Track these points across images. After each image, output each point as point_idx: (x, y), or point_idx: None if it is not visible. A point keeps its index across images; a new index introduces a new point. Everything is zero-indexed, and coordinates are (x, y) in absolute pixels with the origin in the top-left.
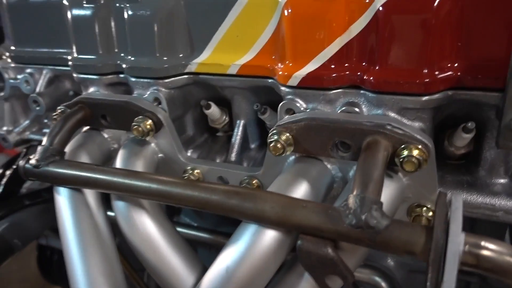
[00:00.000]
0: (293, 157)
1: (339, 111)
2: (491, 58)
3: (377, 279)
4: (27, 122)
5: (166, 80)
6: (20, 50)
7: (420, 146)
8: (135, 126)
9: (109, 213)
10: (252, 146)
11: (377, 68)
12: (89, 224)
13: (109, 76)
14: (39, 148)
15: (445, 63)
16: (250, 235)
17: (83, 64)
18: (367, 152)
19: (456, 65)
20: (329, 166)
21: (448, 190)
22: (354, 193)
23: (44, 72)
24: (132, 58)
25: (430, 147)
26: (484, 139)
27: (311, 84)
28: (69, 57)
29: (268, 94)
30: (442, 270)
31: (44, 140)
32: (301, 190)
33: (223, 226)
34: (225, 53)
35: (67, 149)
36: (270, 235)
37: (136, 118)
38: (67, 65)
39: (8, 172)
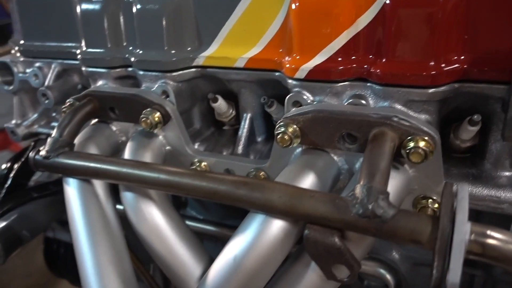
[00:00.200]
0: (299, 149)
1: (346, 104)
2: (497, 50)
3: (382, 271)
4: (35, 115)
5: (174, 74)
6: (29, 44)
7: (426, 138)
8: (144, 119)
9: (117, 206)
10: (259, 139)
11: (384, 60)
12: (98, 214)
13: (118, 70)
14: (49, 140)
15: (451, 56)
16: (258, 225)
17: (92, 57)
18: (373, 143)
19: (462, 57)
20: (335, 158)
21: (453, 182)
22: (361, 183)
23: (53, 66)
24: (141, 52)
25: (436, 139)
26: (489, 132)
27: (318, 76)
28: (78, 51)
29: (274, 87)
30: (448, 259)
31: (54, 132)
32: (307, 181)
33: (229, 219)
34: (233, 47)
35: (76, 141)
36: (277, 225)
37: (144, 111)
38: (76, 59)
39: (16, 166)
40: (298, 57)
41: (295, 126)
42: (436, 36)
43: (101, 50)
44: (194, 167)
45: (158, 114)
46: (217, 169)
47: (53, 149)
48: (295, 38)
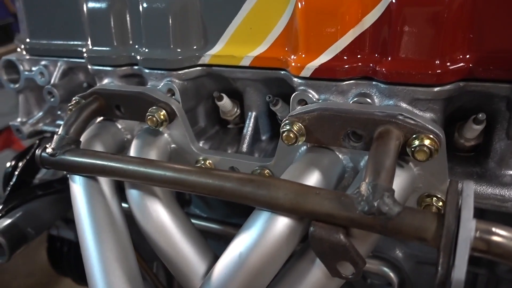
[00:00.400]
0: (304, 147)
1: (351, 102)
2: (502, 49)
3: (386, 269)
4: (40, 113)
5: (180, 72)
6: (35, 42)
7: (431, 136)
8: (150, 116)
9: (123, 204)
10: (263, 137)
11: (389, 59)
12: (104, 211)
13: (124, 68)
14: (55, 137)
15: (457, 55)
16: (263, 222)
17: (98, 55)
18: (379, 141)
19: (467, 56)
20: (340, 156)
21: (458, 180)
22: (367, 180)
23: (59, 64)
24: (147, 50)
25: (441, 137)
26: (494, 131)
27: (323, 75)
28: (84, 49)
29: (279, 86)
30: (453, 256)
31: (60, 130)
32: (313, 179)
33: (232, 217)
34: (238, 45)
35: (82, 138)
36: (283, 222)
37: (150, 109)
38: (82, 57)
39: (21, 164)
40: (303, 55)
41: (300, 124)
42: (442, 35)
43: (107, 49)
44: (199, 165)
45: (163, 112)
46: (222, 167)
47: (60, 146)
48: (301, 36)
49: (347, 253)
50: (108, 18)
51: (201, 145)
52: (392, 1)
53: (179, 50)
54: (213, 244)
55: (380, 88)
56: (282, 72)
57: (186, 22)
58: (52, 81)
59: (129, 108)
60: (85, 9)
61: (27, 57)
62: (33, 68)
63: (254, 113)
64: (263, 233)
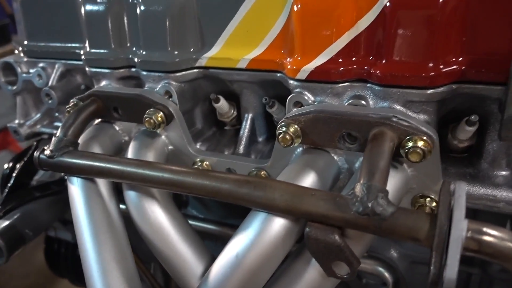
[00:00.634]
0: (300, 148)
1: (346, 104)
2: (494, 52)
3: (380, 269)
4: (38, 115)
5: (177, 74)
6: (33, 44)
7: (425, 138)
8: (147, 118)
9: (121, 206)
10: (260, 139)
11: (383, 62)
12: (102, 212)
13: (121, 70)
14: (53, 139)
15: (450, 57)
16: (260, 223)
17: (96, 58)
18: (373, 142)
19: (460, 59)
20: (336, 157)
21: (451, 181)
22: (361, 181)
23: (57, 66)
24: (144, 52)
25: (434, 139)
26: (486, 132)
27: (319, 77)
28: (82, 51)
29: (275, 88)
30: (446, 255)
31: (58, 132)
32: (308, 180)
33: (229, 218)
34: (235, 48)
35: (80, 140)
36: (279, 223)
37: (147, 111)
38: (79, 59)
39: (18, 165)
40: (299, 58)
41: (296, 126)
42: (435, 38)
43: (105, 51)
44: (196, 166)
45: (161, 114)
46: (219, 168)
47: (58, 148)
48: (296, 39)
49: (342, 253)
50: (106, 21)
51: (198, 146)
52: (386, 4)
53: (176, 52)
54: (210, 245)
55: (374, 90)
56: (278, 75)
57: (184, 24)
58: (50, 83)
59: (126, 110)
60: (82, 11)
61: (25, 59)
62: (31, 70)
63: (250, 115)
64: (260, 234)
